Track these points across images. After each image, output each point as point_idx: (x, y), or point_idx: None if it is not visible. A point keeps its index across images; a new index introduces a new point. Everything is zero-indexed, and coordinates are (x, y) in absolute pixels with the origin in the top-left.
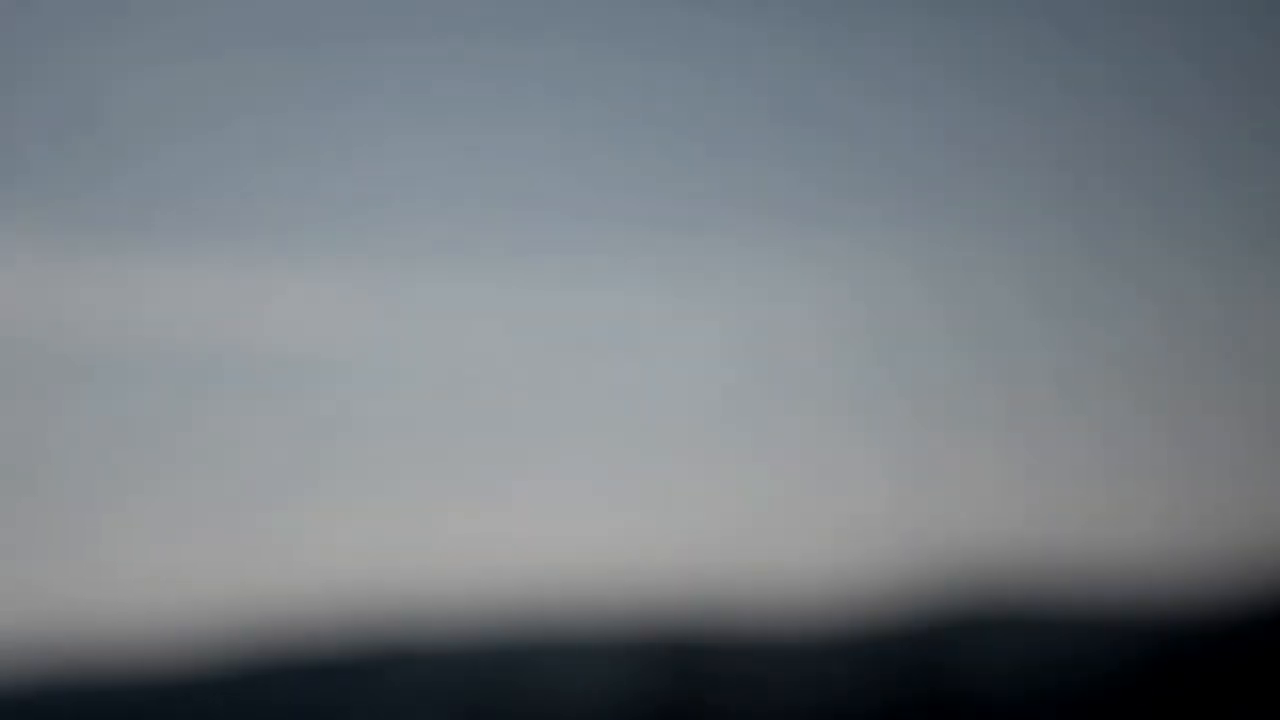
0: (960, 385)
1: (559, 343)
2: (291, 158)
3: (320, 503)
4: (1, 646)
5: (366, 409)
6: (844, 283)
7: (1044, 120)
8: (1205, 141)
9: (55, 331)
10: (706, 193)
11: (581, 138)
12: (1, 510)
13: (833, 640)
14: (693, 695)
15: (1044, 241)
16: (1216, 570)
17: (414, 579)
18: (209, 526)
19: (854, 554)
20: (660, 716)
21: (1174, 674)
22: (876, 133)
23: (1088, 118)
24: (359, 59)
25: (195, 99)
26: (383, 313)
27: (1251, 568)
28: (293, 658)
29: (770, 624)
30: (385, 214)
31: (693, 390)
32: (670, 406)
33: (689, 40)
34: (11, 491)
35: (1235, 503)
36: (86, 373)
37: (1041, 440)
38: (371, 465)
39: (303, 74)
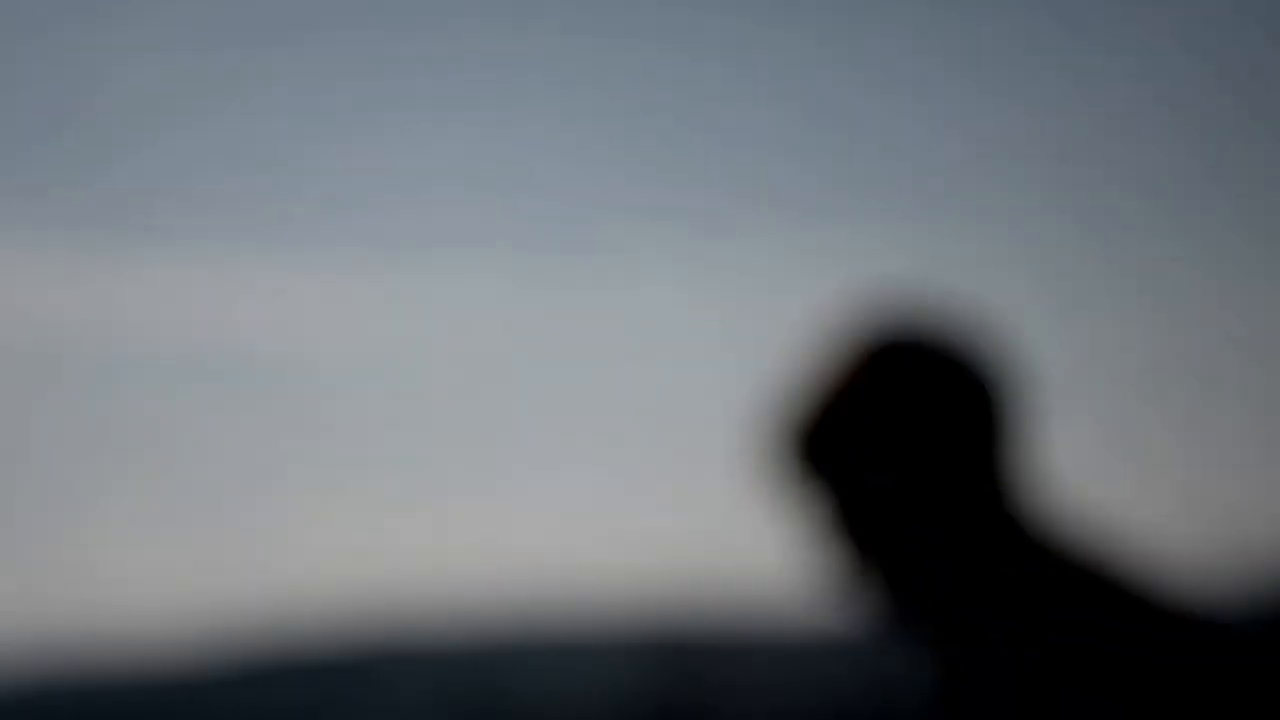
0: None
1: (559, 342)
2: (291, 158)
3: (319, 503)
4: (1, 646)
5: (366, 409)
6: (845, 279)
7: (1045, 115)
8: (1210, 138)
9: (52, 332)
10: (708, 191)
11: (583, 137)
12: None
13: (832, 640)
14: (693, 695)
15: (1046, 238)
16: (1217, 570)
17: (413, 579)
18: (207, 527)
19: None
20: (660, 716)
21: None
22: (882, 128)
23: (1089, 113)
24: (358, 59)
25: (195, 99)
26: (382, 313)
27: (1255, 568)
28: (292, 658)
29: (770, 624)
30: (385, 214)
31: (693, 390)
32: (671, 406)
33: (691, 36)
34: (8, 492)
35: (1238, 503)
36: (86, 373)
37: (1041, 440)
38: (371, 465)
39: (302, 74)
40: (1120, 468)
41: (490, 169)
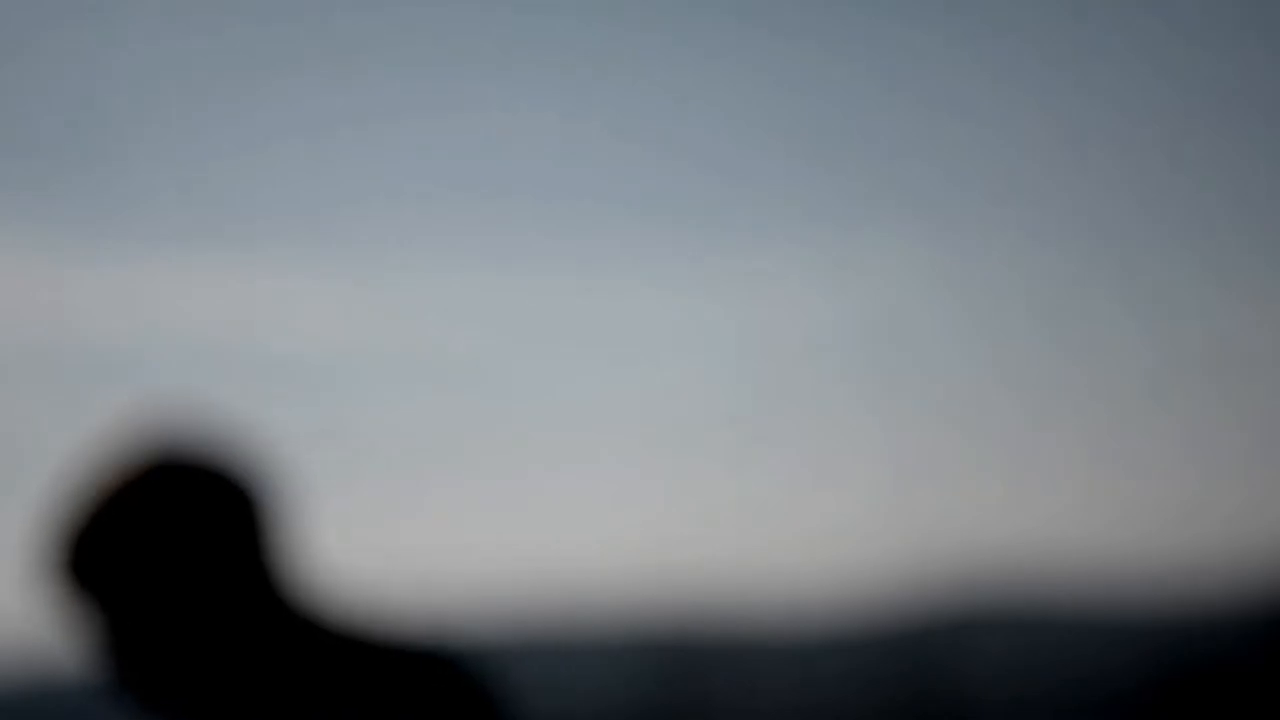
0: (960, 385)
1: (560, 343)
2: (292, 159)
3: (320, 503)
4: (3, 647)
5: (366, 409)
6: (846, 284)
7: (1050, 123)
8: (1210, 144)
9: (56, 331)
10: (711, 192)
11: (589, 136)
12: (0, 510)
13: (832, 640)
14: (692, 695)
15: (1047, 242)
16: (1218, 571)
17: (412, 580)
18: None
19: (853, 554)
20: (661, 717)
21: (1174, 674)
22: (889, 136)
23: (1096, 119)
24: (359, 63)
25: (195, 100)
26: (383, 313)
27: (1254, 570)
28: None
29: (770, 624)
30: (384, 214)
31: (693, 391)
32: (671, 407)
33: (698, 38)
34: (10, 491)
35: (1238, 505)
36: (85, 372)
37: (1043, 440)
38: (370, 465)
39: (304, 75)
40: (1122, 468)
41: (497, 176)
